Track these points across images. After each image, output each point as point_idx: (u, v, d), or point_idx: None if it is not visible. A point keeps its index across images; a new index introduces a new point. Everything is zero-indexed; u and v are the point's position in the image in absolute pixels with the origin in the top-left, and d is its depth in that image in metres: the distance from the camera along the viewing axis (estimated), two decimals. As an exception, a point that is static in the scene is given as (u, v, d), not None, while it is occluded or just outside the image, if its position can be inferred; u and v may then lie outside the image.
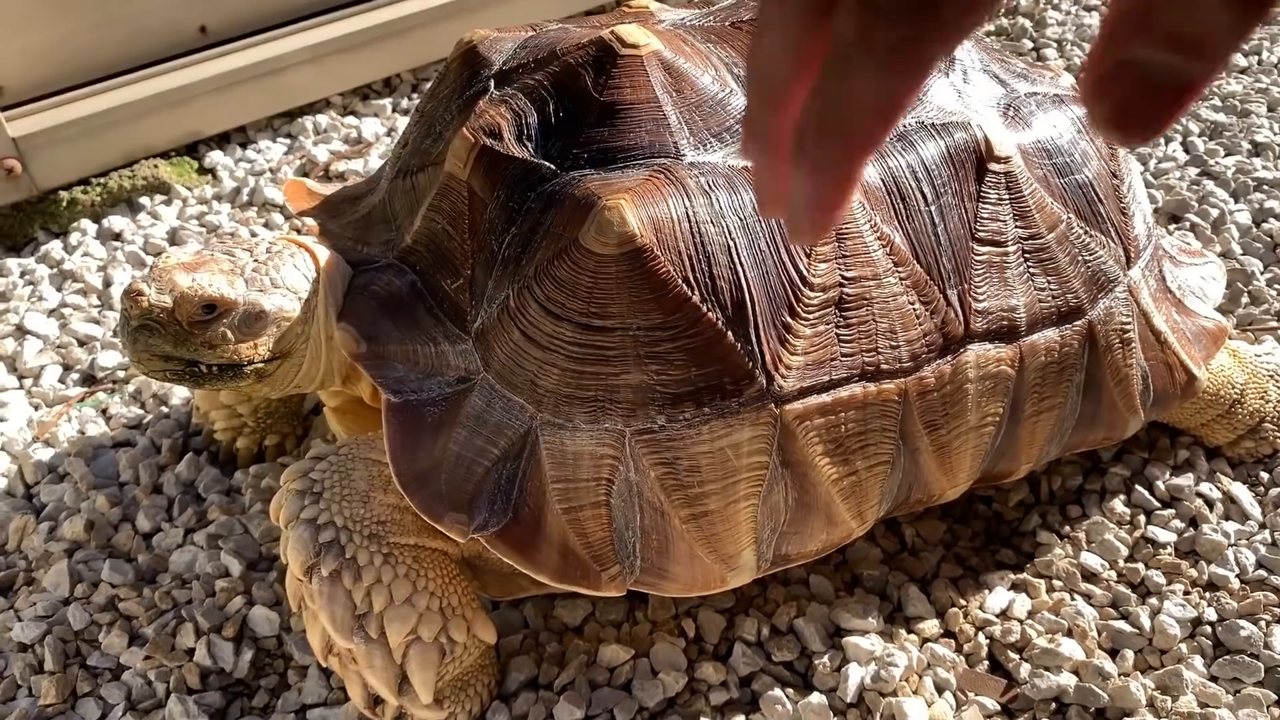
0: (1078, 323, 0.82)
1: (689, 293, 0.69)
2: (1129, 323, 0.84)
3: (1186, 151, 1.36)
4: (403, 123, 1.49)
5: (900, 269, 0.75)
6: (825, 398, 0.73)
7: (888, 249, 0.75)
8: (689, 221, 0.70)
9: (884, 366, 0.74)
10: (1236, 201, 1.25)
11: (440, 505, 0.71)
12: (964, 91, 0.83)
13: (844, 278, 0.73)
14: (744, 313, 0.70)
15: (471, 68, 0.85)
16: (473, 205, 0.77)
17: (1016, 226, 0.79)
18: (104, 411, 1.06)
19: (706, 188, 0.71)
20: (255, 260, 0.76)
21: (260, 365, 0.76)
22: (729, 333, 0.70)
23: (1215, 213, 1.21)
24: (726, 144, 0.75)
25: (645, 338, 0.70)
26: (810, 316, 0.72)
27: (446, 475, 0.72)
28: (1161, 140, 1.39)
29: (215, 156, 1.41)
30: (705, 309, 0.69)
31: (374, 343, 0.77)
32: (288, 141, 1.45)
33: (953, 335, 0.77)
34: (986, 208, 0.79)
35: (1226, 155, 1.35)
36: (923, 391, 0.76)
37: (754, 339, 0.70)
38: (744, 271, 0.70)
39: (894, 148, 0.77)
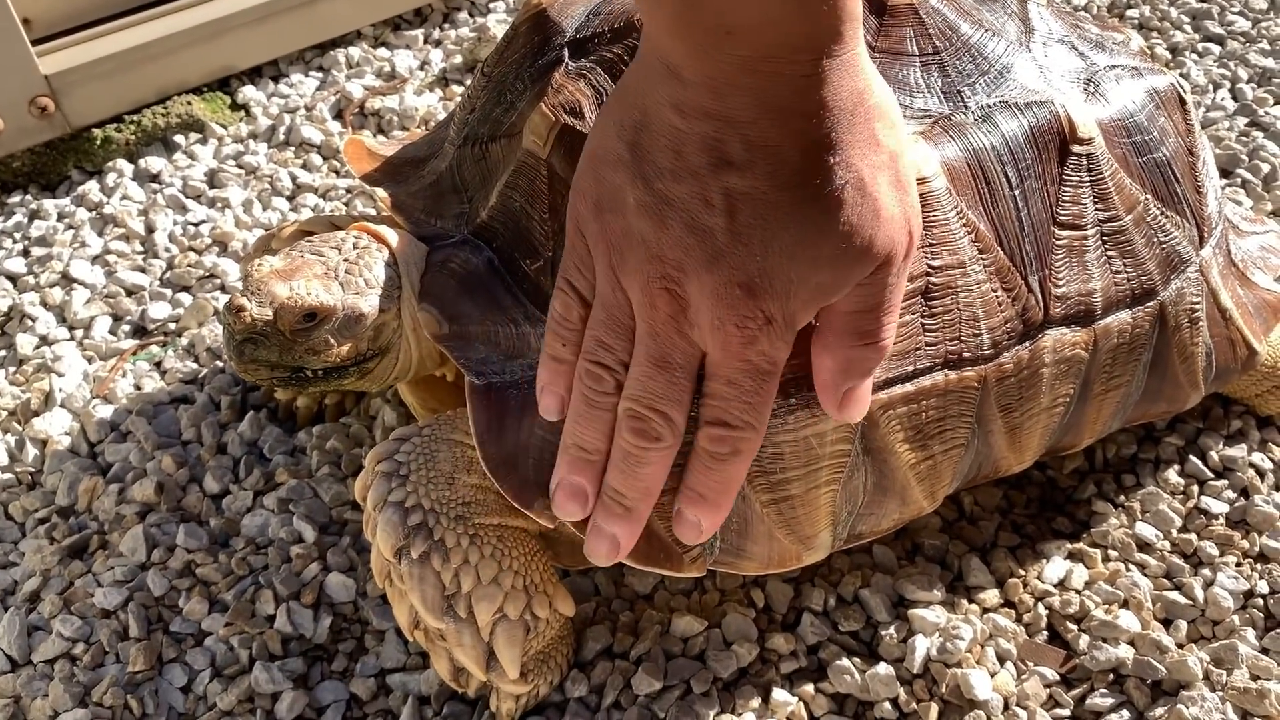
0: (1150, 304, 0.82)
1: (779, 284, 0.69)
2: (1198, 302, 0.85)
3: (1235, 99, 1.35)
4: (435, 55, 1.46)
5: (984, 256, 0.75)
6: (909, 387, 0.73)
7: (973, 236, 0.74)
8: (779, 211, 0.70)
9: (966, 355, 0.75)
10: (1287, 155, 1.24)
11: (529, 491, 0.72)
12: (1045, 66, 0.82)
13: (930, 267, 0.73)
14: (833, 304, 0.70)
15: (542, 33, 0.83)
16: (552, 185, 0.76)
17: (1096, 209, 0.79)
18: (158, 365, 1.06)
19: (796, 175, 0.71)
20: (346, 260, 0.76)
21: (362, 364, 0.77)
22: (818, 324, 0.70)
23: (1266, 168, 1.21)
24: (813, 127, 0.74)
25: (734, 329, 0.70)
26: (897, 307, 0.72)
27: (534, 460, 0.73)
28: (1210, 86, 1.37)
29: (248, 92, 1.38)
30: (795, 301, 0.69)
31: (455, 323, 0.77)
32: (320, 75, 1.42)
33: (1032, 321, 0.77)
34: (1068, 190, 0.78)
35: (1276, 104, 1.33)
36: (1001, 377, 0.76)
37: (842, 331, 0.71)
38: (833, 262, 0.70)
39: (979, 129, 0.76)
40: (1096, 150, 0.79)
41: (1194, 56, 1.43)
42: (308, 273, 0.74)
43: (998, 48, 0.81)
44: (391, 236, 0.79)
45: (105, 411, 1.00)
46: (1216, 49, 1.43)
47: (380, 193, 0.85)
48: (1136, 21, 1.50)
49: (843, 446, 0.73)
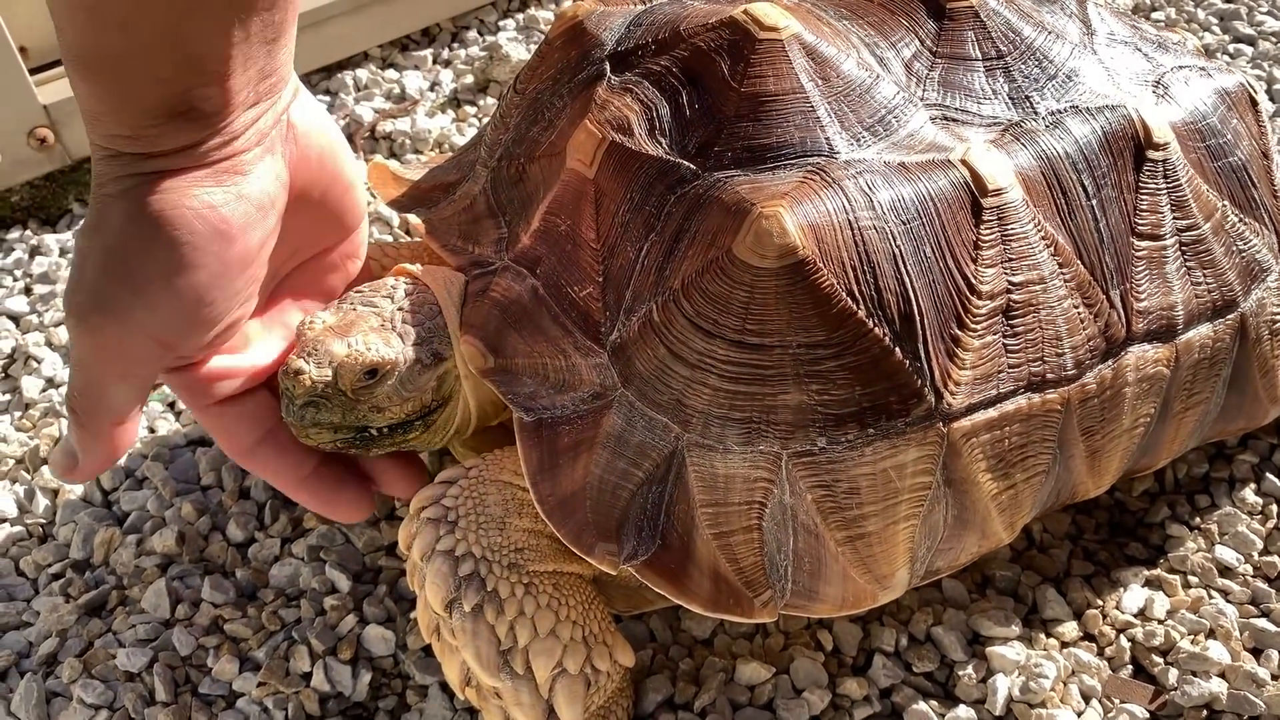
0: (1230, 316, 0.78)
1: (853, 307, 0.64)
2: (1279, 313, 0.80)
3: (1272, 100, 1.31)
4: (446, 75, 1.42)
5: (1065, 270, 0.70)
6: (992, 413, 0.68)
7: (1052, 249, 0.70)
8: (851, 229, 0.65)
9: (1049, 376, 0.70)
10: (1333, 156, 1.20)
11: (589, 535, 0.67)
12: (1111, 69, 0.78)
13: (1010, 283, 0.68)
14: (911, 326, 0.66)
15: (580, 46, 0.79)
16: (600, 206, 0.71)
17: (1174, 218, 0.75)
18: (171, 405, 1.01)
19: (866, 188, 0.66)
20: (400, 309, 0.71)
21: (427, 416, 0.72)
22: (896, 349, 0.65)
23: (1314, 170, 1.17)
24: (880, 137, 0.70)
25: (806, 356, 0.65)
26: (979, 327, 0.67)
27: (591, 501, 0.68)
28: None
29: (254, 117, 1.33)
30: (871, 324, 0.65)
31: (500, 355, 0.72)
32: (328, 99, 1.38)
33: (1114, 338, 0.72)
34: (1145, 198, 0.74)
35: (1315, 104, 1.29)
36: (1084, 399, 0.72)
37: (922, 354, 0.66)
38: (910, 281, 0.66)
39: (1051, 135, 0.72)
40: (1172, 155, 0.75)
41: (1225, 58, 1.39)
42: (364, 326, 0.69)
43: (1062, 50, 0.76)
44: (426, 272, 0.74)
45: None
46: (1248, 50, 1.39)
47: (413, 219, 0.80)
48: (1163, 23, 1.46)
49: (923, 479, 0.68)
